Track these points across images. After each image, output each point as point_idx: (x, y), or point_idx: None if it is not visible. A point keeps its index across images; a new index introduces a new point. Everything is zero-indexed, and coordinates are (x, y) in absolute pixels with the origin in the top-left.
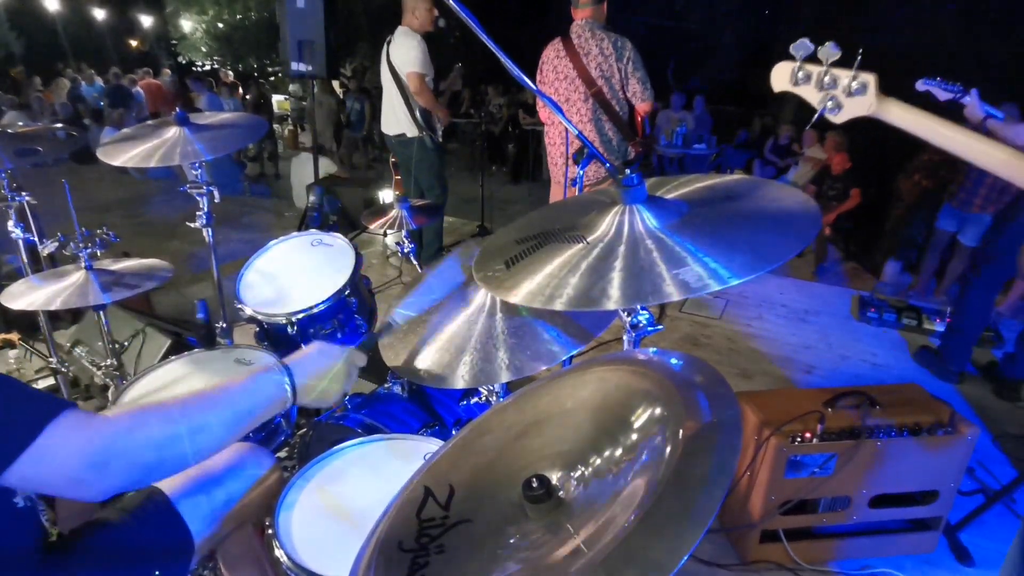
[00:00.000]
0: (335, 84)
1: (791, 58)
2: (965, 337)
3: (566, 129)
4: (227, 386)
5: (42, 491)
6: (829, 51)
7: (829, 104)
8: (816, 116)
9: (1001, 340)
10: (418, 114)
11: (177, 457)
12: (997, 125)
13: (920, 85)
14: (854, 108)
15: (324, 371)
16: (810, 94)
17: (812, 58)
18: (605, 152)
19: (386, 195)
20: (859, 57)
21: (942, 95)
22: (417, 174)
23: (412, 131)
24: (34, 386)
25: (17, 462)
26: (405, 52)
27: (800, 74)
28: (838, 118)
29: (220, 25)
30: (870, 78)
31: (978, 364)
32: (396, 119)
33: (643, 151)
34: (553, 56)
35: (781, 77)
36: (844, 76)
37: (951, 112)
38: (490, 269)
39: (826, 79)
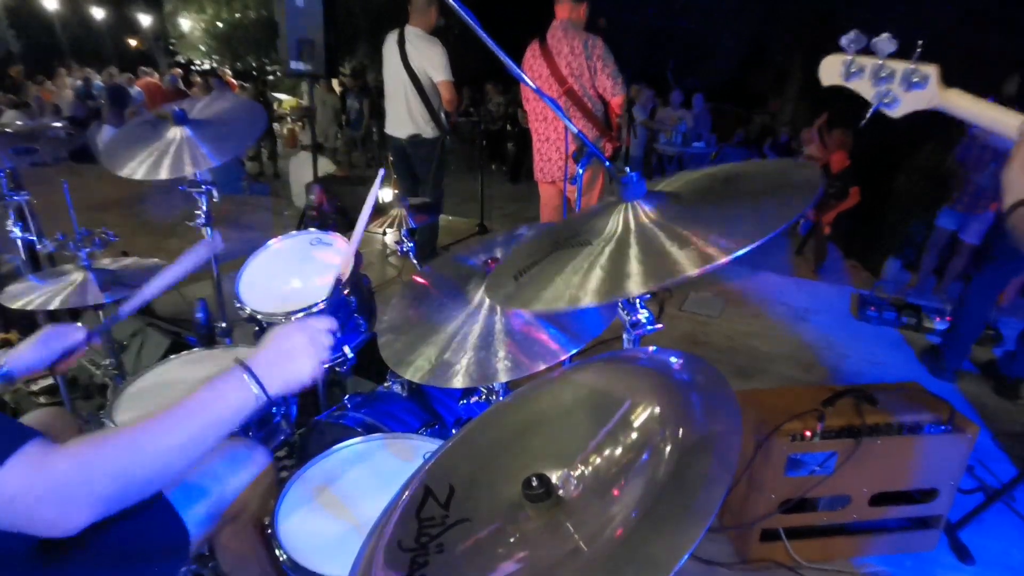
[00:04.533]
0: (333, 83)
1: (839, 50)
2: (964, 336)
3: (552, 127)
4: (186, 402)
5: (7, 529)
6: (885, 43)
7: (886, 99)
8: (871, 111)
9: (1001, 338)
10: (443, 116)
11: (143, 483)
12: (980, 131)
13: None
14: (913, 102)
15: (286, 353)
16: (864, 88)
17: (865, 50)
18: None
19: (385, 194)
20: (918, 49)
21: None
22: (428, 174)
23: (430, 132)
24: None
25: None
26: (432, 58)
27: (852, 68)
28: (896, 112)
29: (219, 24)
30: (932, 70)
31: (978, 362)
32: (412, 120)
33: (619, 146)
34: (529, 57)
35: (830, 71)
36: (901, 68)
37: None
38: (503, 287)
39: (882, 72)
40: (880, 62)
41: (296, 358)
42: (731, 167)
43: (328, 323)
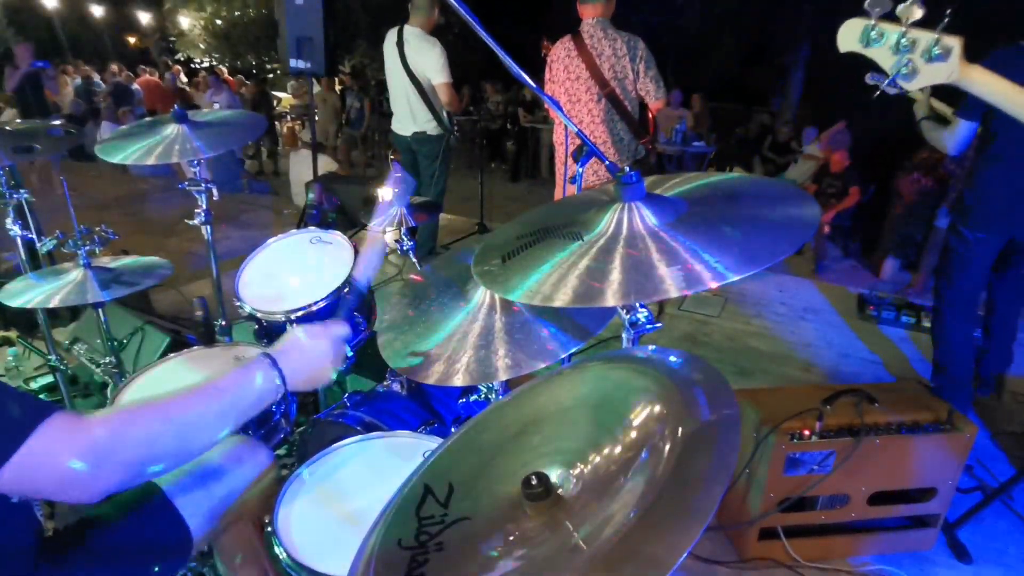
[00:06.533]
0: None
1: (864, 15)
2: (952, 376)
3: (599, 126)
4: (215, 381)
5: (34, 495)
6: (911, 8)
7: (904, 70)
8: (887, 82)
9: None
10: (444, 116)
11: (168, 454)
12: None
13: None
14: (932, 75)
15: (310, 355)
16: (882, 56)
17: (889, 16)
18: (617, 151)
19: (385, 193)
20: (946, 19)
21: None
22: (432, 172)
23: (433, 130)
24: (28, 386)
25: (6, 467)
26: (430, 60)
27: (873, 33)
28: (910, 85)
29: (219, 22)
30: (955, 42)
31: None
32: (414, 119)
33: (652, 149)
34: (564, 55)
35: (850, 36)
36: (924, 38)
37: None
38: (487, 264)
39: (903, 41)
40: (903, 29)
41: (318, 361)
42: (735, 181)
43: (346, 331)
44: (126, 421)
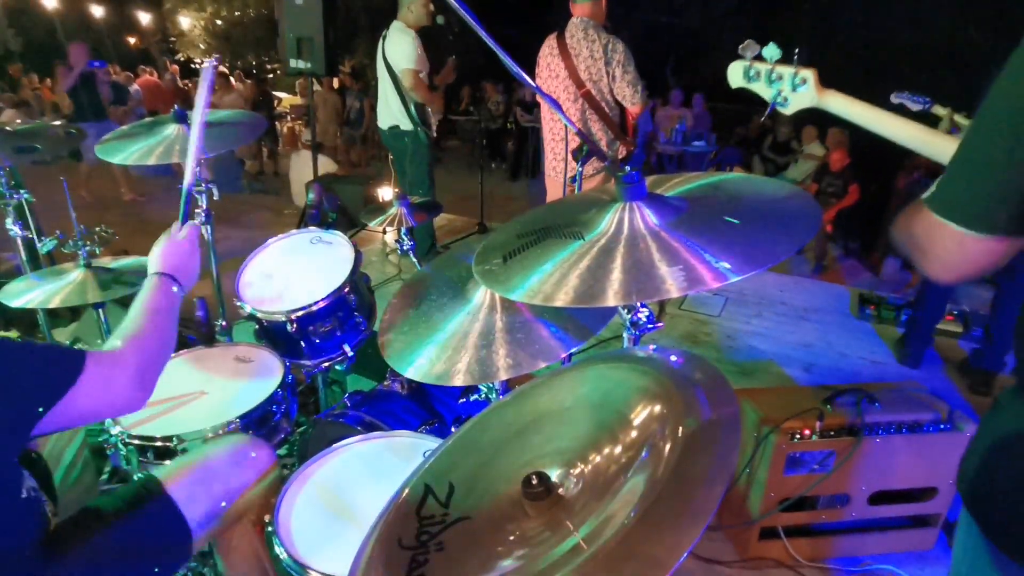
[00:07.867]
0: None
1: (741, 58)
2: (923, 319)
3: (563, 126)
4: (151, 303)
5: (82, 423)
6: (772, 51)
7: (779, 98)
8: (768, 109)
9: (968, 325)
10: (412, 109)
11: (166, 363)
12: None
13: (893, 98)
14: (799, 101)
15: (184, 260)
16: (761, 90)
17: (759, 57)
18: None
19: (385, 192)
20: (795, 56)
21: (913, 106)
22: (408, 168)
23: (406, 124)
24: None
25: (61, 401)
26: (399, 48)
27: (751, 72)
28: (787, 110)
29: (219, 22)
30: (810, 73)
31: (952, 360)
32: (390, 112)
33: (633, 150)
34: (547, 53)
35: (735, 75)
36: (788, 72)
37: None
38: (488, 263)
39: (773, 76)
40: (771, 67)
41: (191, 260)
42: (736, 181)
43: (191, 230)
44: (141, 346)
